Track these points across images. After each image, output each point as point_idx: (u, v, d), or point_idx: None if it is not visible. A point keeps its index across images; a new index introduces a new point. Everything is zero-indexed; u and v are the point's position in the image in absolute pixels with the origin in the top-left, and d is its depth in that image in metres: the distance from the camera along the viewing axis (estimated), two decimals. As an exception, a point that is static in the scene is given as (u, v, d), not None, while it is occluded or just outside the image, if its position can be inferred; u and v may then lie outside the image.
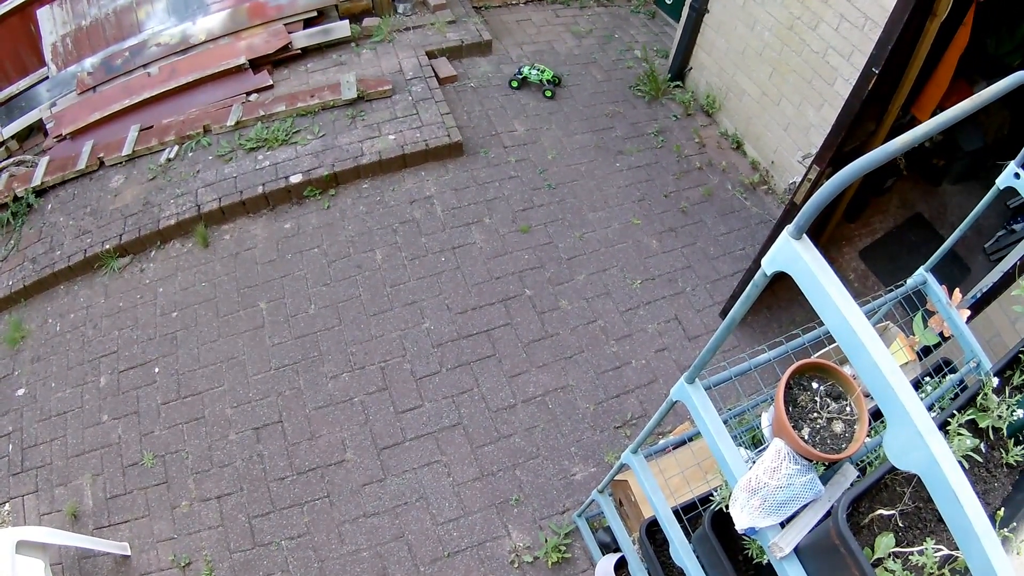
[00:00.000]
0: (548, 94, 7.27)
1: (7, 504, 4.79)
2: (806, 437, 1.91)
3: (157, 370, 5.22)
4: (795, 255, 1.41)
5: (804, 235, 1.41)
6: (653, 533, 2.97)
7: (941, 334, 2.70)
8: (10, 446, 5.05)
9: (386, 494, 4.53)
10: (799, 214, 1.37)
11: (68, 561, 4.42)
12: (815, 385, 2.02)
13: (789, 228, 1.41)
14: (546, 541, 4.30)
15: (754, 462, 2.05)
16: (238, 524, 4.47)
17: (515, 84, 7.33)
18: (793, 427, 1.90)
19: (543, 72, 7.22)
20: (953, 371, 2.80)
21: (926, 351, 2.81)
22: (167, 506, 4.59)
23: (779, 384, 1.95)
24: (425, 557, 4.28)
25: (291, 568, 4.27)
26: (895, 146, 1.26)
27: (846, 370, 2.04)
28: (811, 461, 1.92)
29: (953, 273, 5.41)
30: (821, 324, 2.27)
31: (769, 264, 1.49)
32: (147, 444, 4.86)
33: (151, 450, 4.82)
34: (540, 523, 4.41)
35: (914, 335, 2.72)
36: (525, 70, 7.24)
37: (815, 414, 1.97)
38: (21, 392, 5.32)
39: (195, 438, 4.85)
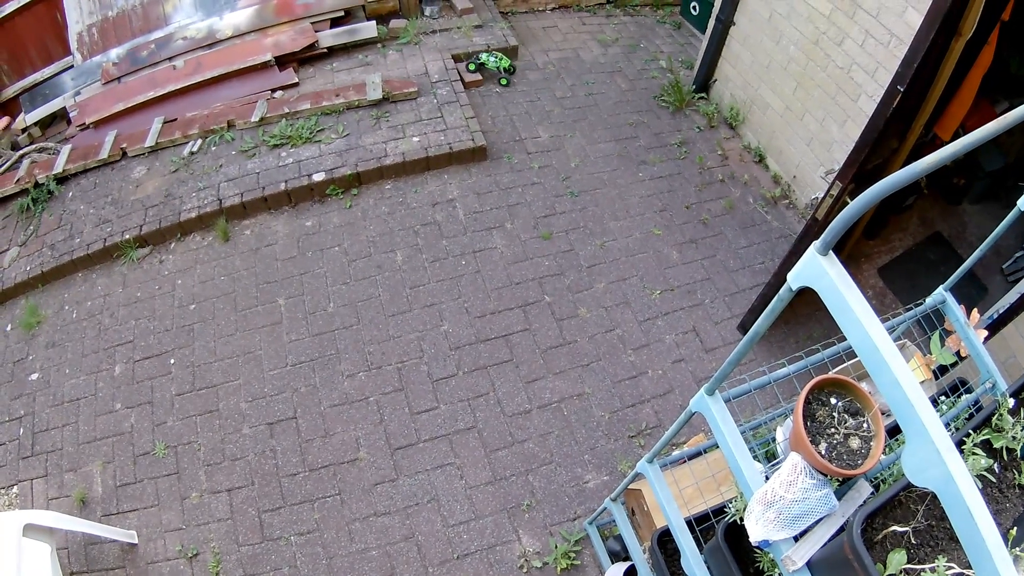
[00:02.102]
0: (503, 82, 7.38)
1: (15, 487, 4.84)
2: (823, 452, 1.92)
3: (172, 361, 5.26)
4: (821, 271, 1.43)
5: (830, 251, 1.43)
6: (665, 543, 2.98)
7: (957, 353, 2.69)
8: (21, 429, 5.10)
9: (398, 494, 4.55)
10: (826, 231, 1.38)
11: (74, 547, 4.46)
12: (833, 401, 2.03)
13: (816, 244, 1.43)
14: (556, 547, 4.30)
15: (768, 476, 2.06)
16: (248, 518, 4.50)
17: (472, 67, 7.38)
18: (811, 442, 1.91)
19: (500, 60, 7.31)
20: (968, 391, 2.80)
21: (942, 370, 2.81)
22: (177, 496, 4.63)
23: (798, 398, 1.96)
24: (434, 558, 4.29)
25: (299, 564, 4.29)
26: (923, 165, 1.27)
27: (864, 387, 2.04)
28: (827, 476, 1.93)
29: (970, 293, 5.38)
30: (839, 340, 2.29)
31: (795, 279, 1.51)
32: (159, 434, 4.90)
33: (163, 440, 4.86)
34: (551, 529, 4.42)
35: (931, 354, 2.72)
36: (483, 56, 7.33)
37: (832, 429, 1.98)
38: (35, 376, 5.37)
39: (208, 430, 4.88)
